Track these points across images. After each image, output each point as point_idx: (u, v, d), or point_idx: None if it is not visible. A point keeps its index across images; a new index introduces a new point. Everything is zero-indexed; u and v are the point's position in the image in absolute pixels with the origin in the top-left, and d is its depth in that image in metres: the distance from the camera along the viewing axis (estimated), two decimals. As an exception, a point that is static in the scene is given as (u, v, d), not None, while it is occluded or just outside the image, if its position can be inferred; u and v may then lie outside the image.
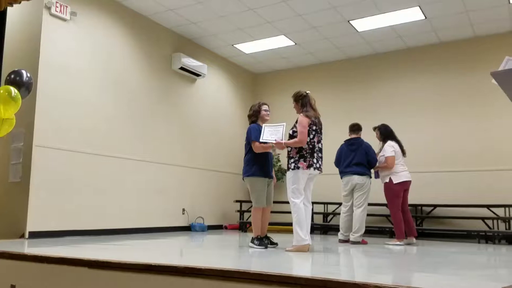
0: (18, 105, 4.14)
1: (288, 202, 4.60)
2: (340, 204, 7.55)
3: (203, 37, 7.82)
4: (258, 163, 4.72)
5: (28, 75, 4.32)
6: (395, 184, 5.69)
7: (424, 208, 7.44)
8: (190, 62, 7.59)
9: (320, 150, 4.61)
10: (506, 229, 6.63)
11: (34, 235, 5.20)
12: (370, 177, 5.89)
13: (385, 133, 5.99)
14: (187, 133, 7.76)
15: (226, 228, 8.47)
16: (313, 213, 7.76)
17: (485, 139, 7.23)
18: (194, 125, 7.94)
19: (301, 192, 4.44)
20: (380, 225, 7.36)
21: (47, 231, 5.34)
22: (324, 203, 8.01)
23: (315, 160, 4.47)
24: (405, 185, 5.77)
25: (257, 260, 3.51)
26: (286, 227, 7.77)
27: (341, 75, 8.74)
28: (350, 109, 8.46)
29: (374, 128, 6.22)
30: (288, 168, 4.49)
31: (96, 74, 6.19)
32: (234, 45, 8.14)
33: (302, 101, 4.66)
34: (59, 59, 5.69)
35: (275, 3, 6.45)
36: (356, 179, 5.76)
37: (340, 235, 5.95)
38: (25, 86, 4.27)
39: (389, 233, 6.94)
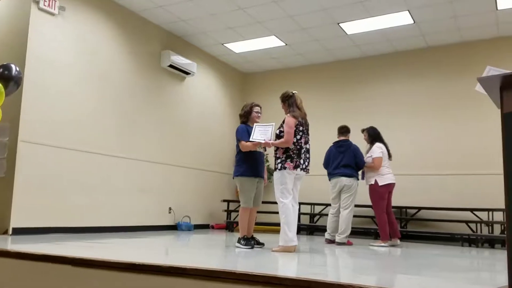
0: (1, 99, 4.08)
1: (274, 203, 4.61)
2: (326, 205, 7.62)
3: (193, 35, 7.79)
4: (248, 163, 4.73)
5: (17, 69, 4.25)
6: (381, 186, 5.77)
7: (408, 210, 7.51)
8: (180, 60, 7.56)
9: (308, 150, 4.63)
10: (489, 233, 6.72)
11: (18, 231, 5.13)
12: (358, 179, 5.97)
13: (373, 135, 6.06)
14: (175, 131, 7.72)
15: (212, 227, 8.45)
16: (300, 213, 7.80)
17: (470, 144, 7.32)
18: (183, 123, 7.91)
19: (290, 192, 4.45)
20: (365, 227, 7.41)
21: (31, 227, 5.28)
22: (311, 204, 8.04)
23: (301, 161, 4.48)
24: (390, 187, 5.87)
25: (243, 260, 3.51)
26: (272, 227, 7.79)
27: (330, 77, 8.78)
28: (338, 111, 8.50)
29: (363, 130, 6.29)
30: (275, 169, 4.50)
31: (84, 70, 6.13)
32: (224, 44, 8.12)
33: (288, 101, 4.69)
34: (47, 54, 5.62)
35: (265, 3, 6.45)
36: (344, 180, 5.82)
37: (326, 235, 6.01)
38: (14, 80, 4.21)
39: (374, 235, 6.99)
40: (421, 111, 7.81)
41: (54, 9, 5.68)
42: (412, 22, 6.87)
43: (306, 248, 4.98)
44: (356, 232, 7.16)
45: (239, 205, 8.53)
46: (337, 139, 6.18)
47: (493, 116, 7.05)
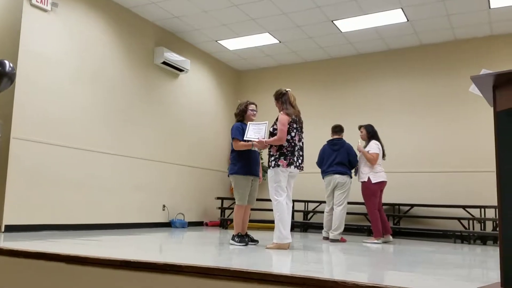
0: None
1: (268, 200, 4.63)
2: (320, 202, 7.66)
3: (186, 31, 7.76)
4: (242, 161, 4.73)
5: (11, 65, 4.21)
6: (373, 183, 5.84)
7: (401, 207, 7.56)
8: (173, 57, 7.53)
9: (301, 148, 4.64)
10: (481, 229, 6.78)
11: (10, 228, 5.11)
12: (351, 177, 6.04)
13: (372, 132, 6.13)
14: (169, 128, 7.71)
15: (206, 224, 8.45)
16: (293, 211, 7.82)
17: (463, 141, 7.38)
18: (176, 120, 7.89)
19: (284, 189, 4.46)
20: (358, 224, 7.45)
21: (23, 225, 5.25)
22: (304, 201, 8.07)
23: (295, 158, 4.49)
24: (382, 185, 5.94)
25: (238, 258, 3.51)
26: (266, 225, 7.81)
27: (324, 74, 8.79)
28: (332, 108, 8.53)
29: (360, 127, 6.35)
30: (269, 166, 4.51)
31: (77, 66, 6.09)
32: (218, 41, 8.11)
33: (282, 99, 4.69)
34: (39, 50, 5.58)
35: (259, 0, 6.44)
36: (338, 178, 5.90)
37: (324, 233, 6.13)
38: (8, 77, 4.17)
39: (367, 231, 7.02)
40: (414, 108, 7.85)
41: (47, 5, 5.64)
42: (406, 20, 6.90)
43: (300, 245, 5.00)
44: (349, 229, 7.20)
45: (233, 203, 8.54)
46: (331, 138, 6.25)
47: (486, 114, 7.12)
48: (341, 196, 5.88)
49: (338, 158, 5.96)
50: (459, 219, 6.70)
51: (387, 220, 6.10)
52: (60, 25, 5.87)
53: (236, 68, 9.63)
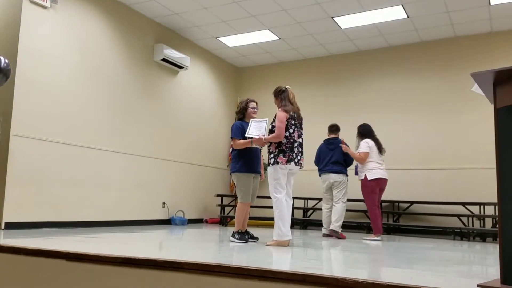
0: None
1: (268, 197, 4.63)
2: (320, 199, 7.66)
3: (186, 28, 7.75)
4: (244, 159, 4.73)
5: (6, 61, 4.20)
6: (370, 180, 5.87)
7: (401, 204, 7.56)
8: (173, 54, 7.52)
9: (301, 145, 4.63)
10: (480, 226, 6.79)
11: (10, 226, 5.11)
12: (347, 175, 6.16)
13: (362, 132, 6.18)
14: (169, 125, 7.70)
15: (206, 222, 8.46)
16: (293, 208, 7.83)
17: (463, 138, 7.37)
18: (176, 117, 7.88)
19: (283, 187, 4.46)
20: (358, 221, 7.46)
21: (23, 222, 5.26)
22: (304, 198, 8.07)
23: (294, 155, 4.49)
24: (380, 182, 5.91)
25: (238, 254, 3.52)
26: (266, 222, 7.81)
27: (324, 71, 8.78)
28: (332, 105, 8.53)
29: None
30: (269, 164, 4.51)
31: (76, 63, 6.08)
32: (218, 38, 8.09)
33: (281, 96, 4.69)
34: (39, 47, 5.57)
35: (259, -3, 6.44)
36: (334, 177, 6.04)
37: (324, 230, 6.15)
38: (3, 73, 4.16)
39: (367, 228, 7.03)
40: (414, 105, 7.85)
41: (46, 2, 5.62)
42: (406, 16, 6.89)
43: (300, 242, 5.01)
44: (349, 226, 7.22)
45: (233, 200, 8.58)
46: (327, 137, 6.37)
47: (486, 111, 7.11)
48: (339, 194, 6.01)
49: (334, 157, 6.11)
50: (458, 216, 6.71)
51: (381, 218, 6.15)
52: (59, 21, 5.86)
53: (236, 65, 9.62)
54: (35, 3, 5.51)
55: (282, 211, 4.39)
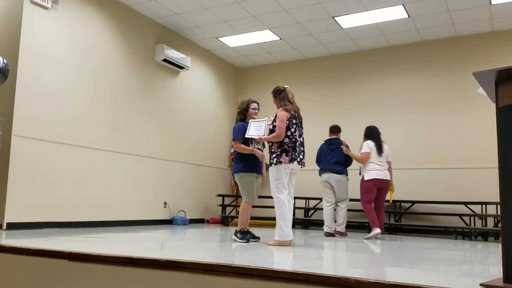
0: None
1: (269, 197, 4.63)
2: (321, 199, 7.68)
3: (187, 28, 7.75)
4: (245, 159, 4.73)
5: (5, 61, 4.20)
6: (366, 180, 6.05)
7: (403, 204, 7.56)
8: (174, 54, 7.53)
9: (302, 144, 4.63)
10: (482, 226, 6.78)
11: (12, 226, 5.11)
12: (347, 175, 6.34)
13: (366, 134, 6.32)
14: (170, 126, 7.71)
15: (207, 222, 8.46)
16: (294, 208, 7.82)
17: (465, 137, 7.37)
18: (177, 118, 7.89)
19: (285, 187, 4.46)
20: (359, 220, 7.46)
21: (25, 222, 5.26)
22: (305, 198, 8.07)
23: (297, 154, 4.49)
24: (377, 182, 6.02)
25: (239, 254, 3.52)
26: (268, 222, 7.81)
27: (325, 71, 8.78)
28: (333, 105, 8.53)
29: None
30: (271, 164, 4.50)
31: (78, 64, 6.09)
32: (219, 38, 8.10)
33: (280, 96, 4.68)
34: (40, 48, 5.58)
35: (260, -3, 6.44)
36: (335, 176, 6.21)
37: (326, 228, 6.20)
38: (1, 72, 4.16)
39: (368, 228, 7.02)
40: (415, 104, 7.84)
41: (47, 3, 5.63)
42: (407, 16, 6.89)
43: (301, 242, 5.01)
44: (351, 226, 7.23)
45: (234, 200, 8.57)
46: (328, 138, 6.52)
47: (487, 110, 7.11)
48: (343, 196, 6.27)
49: (335, 158, 6.28)
50: (460, 215, 6.70)
51: (383, 219, 6.24)
52: (60, 22, 5.87)
53: (236, 65, 9.62)
54: (36, 4, 5.52)
55: (284, 211, 4.39)
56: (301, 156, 4.57)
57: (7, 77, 4.25)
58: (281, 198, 4.40)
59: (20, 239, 3.97)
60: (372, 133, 6.22)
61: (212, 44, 8.42)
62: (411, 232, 7.33)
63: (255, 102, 4.98)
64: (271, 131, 4.54)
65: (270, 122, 4.64)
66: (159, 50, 7.37)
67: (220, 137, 8.95)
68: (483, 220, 6.80)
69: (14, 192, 5.18)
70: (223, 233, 6.00)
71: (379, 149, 6.08)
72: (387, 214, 7.41)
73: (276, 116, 4.56)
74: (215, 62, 8.97)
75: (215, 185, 8.79)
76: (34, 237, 4.20)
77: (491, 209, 6.87)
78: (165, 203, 7.52)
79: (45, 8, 5.65)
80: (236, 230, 4.78)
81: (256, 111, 4.94)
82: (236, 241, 4.62)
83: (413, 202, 7.31)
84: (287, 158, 4.41)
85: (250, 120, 4.74)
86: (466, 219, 6.83)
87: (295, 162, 4.46)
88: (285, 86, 4.73)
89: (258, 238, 4.83)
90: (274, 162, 4.45)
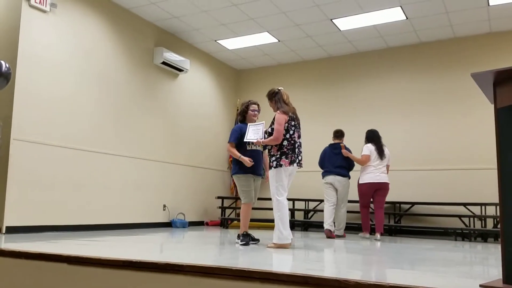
0: None
1: (268, 199, 4.62)
2: (321, 201, 7.71)
3: (185, 31, 7.76)
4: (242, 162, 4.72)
5: (7, 65, 4.21)
6: (360, 184, 6.32)
7: (402, 205, 7.56)
8: (173, 57, 7.53)
9: (300, 145, 4.64)
10: (482, 227, 6.78)
11: (11, 230, 5.10)
12: (349, 178, 6.46)
13: (367, 137, 6.51)
14: (169, 128, 7.71)
15: (207, 224, 8.45)
16: (294, 209, 7.83)
17: (463, 138, 7.37)
18: (176, 120, 7.89)
19: (285, 189, 4.45)
20: (358, 222, 7.44)
21: (25, 226, 5.25)
22: (305, 200, 8.06)
23: (296, 156, 4.50)
24: (372, 186, 6.23)
25: (239, 257, 3.51)
26: (266, 224, 7.80)
27: (323, 73, 8.79)
28: (331, 107, 8.53)
29: None
30: (270, 167, 4.49)
31: (76, 67, 6.09)
32: (217, 41, 8.10)
33: (275, 98, 4.67)
34: (38, 51, 5.58)
35: None
36: (339, 179, 6.36)
37: (325, 225, 6.30)
38: (4, 76, 4.17)
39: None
40: (414, 106, 7.85)
41: (46, 6, 5.63)
42: (405, 18, 6.90)
43: (301, 244, 5.00)
44: (350, 228, 7.23)
45: (233, 202, 8.57)
46: (332, 142, 6.64)
47: (486, 111, 7.12)
48: (344, 198, 6.40)
49: (338, 161, 6.44)
50: (459, 216, 6.70)
51: (381, 218, 6.25)
52: (59, 26, 5.87)
53: (235, 68, 9.63)
54: (34, 8, 5.52)
55: (284, 214, 4.38)
56: (299, 158, 4.58)
57: (9, 81, 4.26)
58: (281, 200, 4.40)
59: (19, 243, 3.97)
60: (373, 137, 6.39)
61: (211, 47, 8.43)
62: (410, 234, 7.32)
63: (255, 103, 4.96)
64: (270, 134, 4.53)
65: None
66: (158, 53, 7.37)
67: (219, 139, 8.95)
68: (483, 221, 6.80)
69: (13, 195, 5.17)
70: (223, 236, 6.00)
71: (380, 153, 6.23)
72: (386, 216, 7.41)
73: (273, 119, 4.55)
74: (214, 65, 8.98)
75: (214, 187, 8.78)
76: (33, 241, 4.19)
77: (491, 210, 6.87)
78: (164, 206, 7.51)
79: (44, 11, 5.65)
80: (238, 234, 4.78)
81: (256, 112, 4.92)
82: (238, 243, 4.61)
83: (413, 204, 7.31)
84: (287, 161, 4.41)
85: (249, 124, 4.74)
86: (466, 220, 6.83)
87: (295, 164, 4.46)
88: (279, 88, 4.73)
89: (258, 240, 4.82)
90: (274, 165, 4.43)
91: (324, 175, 6.49)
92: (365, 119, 8.01)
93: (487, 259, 3.97)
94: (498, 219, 6.50)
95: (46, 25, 5.70)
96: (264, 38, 7.88)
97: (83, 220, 6.01)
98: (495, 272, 2.95)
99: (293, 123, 4.54)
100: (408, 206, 7.45)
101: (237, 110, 5.13)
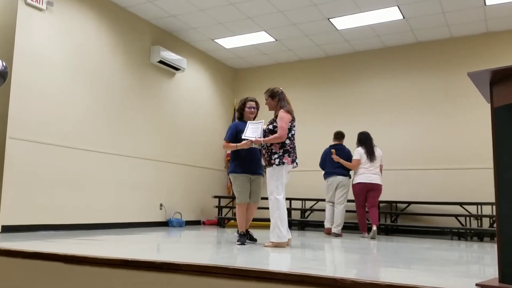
0: None
1: (264, 198, 4.62)
2: (318, 200, 7.74)
3: (183, 30, 7.74)
4: (238, 160, 4.70)
5: (4, 64, 4.19)
6: (353, 184, 6.45)
7: (399, 204, 7.58)
8: (169, 56, 7.51)
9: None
10: (478, 226, 6.80)
11: (7, 229, 5.08)
12: (350, 177, 6.55)
13: (359, 140, 6.61)
14: (166, 127, 7.69)
15: (204, 223, 8.45)
16: (291, 209, 7.84)
17: (459, 138, 7.39)
18: (173, 119, 7.87)
19: (284, 187, 4.45)
20: (356, 221, 7.46)
21: (20, 225, 5.23)
22: (302, 199, 8.07)
23: (295, 155, 4.55)
24: (365, 186, 6.35)
25: (236, 256, 3.51)
26: (262, 223, 7.80)
27: (320, 72, 8.79)
28: (328, 106, 8.54)
29: None
30: (272, 164, 4.45)
31: (72, 65, 6.07)
32: (214, 40, 8.09)
33: (279, 97, 4.67)
34: (35, 49, 5.55)
35: (256, -1, 6.44)
36: (340, 178, 6.52)
37: (326, 224, 6.61)
38: (0, 75, 4.15)
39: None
40: (410, 105, 7.86)
41: (42, 4, 5.61)
42: (402, 17, 6.91)
43: (298, 243, 5.00)
44: (348, 227, 7.25)
45: (230, 201, 8.57)
46: (333, 143, 6.77)
47: (482, 111, 7.14)
48: (343, 196, 6.50)
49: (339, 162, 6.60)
50: (456, 216, 6.72)
51: (376, 215, 6.30)
52: (55, 24, 5.85)
53: (232, 67, 9.62)
54: (30, 6, 5.50)
55: (283, 213, 4.37)
56: (296, 156, 4.63)
57: (5, 79, 4.24)
58: (280, 199, 4.39)
59: (15, 241, 3.95)
60: (364, 139, 6.49)
61: (208, 46, 8.42)
62: (407, 233, 7.34)
63: (252, 100, 4.90)
64: (272, 132, 4.51)
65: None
66: (155, 51, 7.35)
67: (216, 138, 8.94)
68: (479, 221, 6.82)
69: (9, 194, 5.15)
70: (219, 235, 5.99)
71: (371, 155, 6.35)
72: (383, 215, 7.44)
73: (276, 118, 4.55)
74: (211, 64, 8.97)
75: (211, 186, 8.77)
76: (29, 240, 4.18)
77: (487, 210, 6.89)
78: (161, 205, 7.50)
79: (40, 9, 5.63)
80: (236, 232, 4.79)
81: (253, 109, 4.86)
82: (235, 243, 4.61)
83: (409, 203, 7.33)
84: (289, 159, 4.43)
85: (248, 122, 4.72)
86: (462, 219, 6.85)
87: (294, 163, 4.52)
88: (281, 88, 4.75)
89: (255, 240, 4.82)
90: (276, 163, 4.41)
91: (326, 176, 6.66)
92: (361, 118, 8.03)
93: (483, 258, 3.98)
94: (494, 219, 6.53)
95: (43, 23, 5.68)
96: (262, 37, 7.88)
97: (79, 219, 5.99)
98: (491, 271, 2.96)
99: (294, 123, 4.58)
100: (404, 205, 7.47)
101: (234, 108, 5.11)
